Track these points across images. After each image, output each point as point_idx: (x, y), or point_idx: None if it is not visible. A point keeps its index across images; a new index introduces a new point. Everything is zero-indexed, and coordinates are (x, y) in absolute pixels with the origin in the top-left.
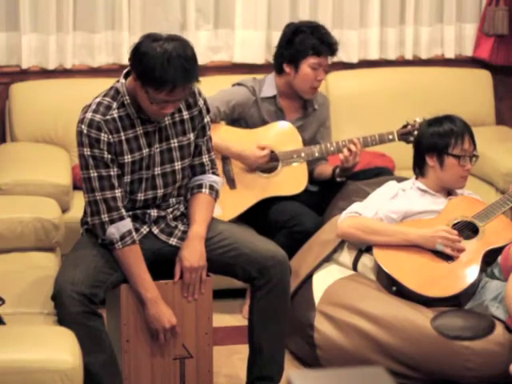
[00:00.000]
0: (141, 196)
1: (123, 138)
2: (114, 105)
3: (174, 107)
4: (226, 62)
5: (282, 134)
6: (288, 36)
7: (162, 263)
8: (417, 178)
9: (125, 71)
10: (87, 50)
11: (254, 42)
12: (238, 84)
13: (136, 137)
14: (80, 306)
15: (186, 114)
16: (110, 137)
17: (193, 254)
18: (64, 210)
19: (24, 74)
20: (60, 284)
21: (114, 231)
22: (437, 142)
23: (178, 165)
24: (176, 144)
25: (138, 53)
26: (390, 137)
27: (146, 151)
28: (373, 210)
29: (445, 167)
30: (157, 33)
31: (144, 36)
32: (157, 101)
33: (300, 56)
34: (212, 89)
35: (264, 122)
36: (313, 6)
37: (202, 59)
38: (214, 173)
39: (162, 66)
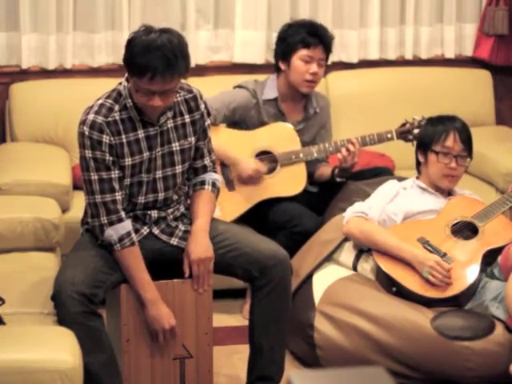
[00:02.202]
0: (141, 199)
1: (124, 140)
2: (116, 107)
3: (162, 102)
4: (226, 62)
5: (280, 135)
6: (280, 34)
7: (163, 263)
8: (417, 177)
9: (127, 74)
10: (87, 50)
11: (254, 42)
12: (239, 86)
13: (137, 140)
14: (80, 306)
15: (187, 118)
16: (112, 139)
17: (199, 246)
18: (64, 210)
19: (24, 74)
20: (60, 284)
21: (112, 233)
22: (424, 138)
23: (178, 168)
24: (177, 148)
25: (127, 42)
26: (389, 136)
27: (146, 154)
28: (378, 210)
29: (428, 163)
30: (152, 26)
31: (139, 27)
32: (141, 90)
33: (290, 50)
34: (212, 89)
35: (264, 125)
36: (313, 6)
37: (202, 59)
38: (214, 172)
39: (143, 52)
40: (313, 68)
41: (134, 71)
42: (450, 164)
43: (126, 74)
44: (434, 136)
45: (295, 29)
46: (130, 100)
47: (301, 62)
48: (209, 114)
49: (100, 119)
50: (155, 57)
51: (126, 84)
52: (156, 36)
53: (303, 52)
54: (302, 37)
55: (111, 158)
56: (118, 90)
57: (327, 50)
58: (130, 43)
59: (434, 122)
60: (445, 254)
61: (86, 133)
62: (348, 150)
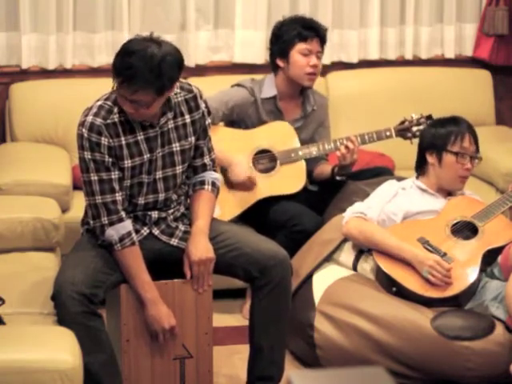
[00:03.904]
0: (141, 200)
1: (123, 142)
2: (115, 109)
3: (134, 110)
4: (226, 62)
5: (278, 134)
6: (274, 32)
7: (163, 263)
8: (417, 178)
9: None
10: (87, 50)
11: (254, 42)
12: (237, 85)
13: (136, 142)
14: (80, 306)
15: (187, 118)
16: (111, 141)
17: (199, 247)
18: (64, 210)
19: (24, 74)
20: (60, 284)
21: (112, 233)
22: (437, 139)
23: (179, 168)
24: (178, 148)
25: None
26: (388, 133)
27: (146, 156)
28: (377, 210)
29: (443, 165)
30: (155, 36)
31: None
32: (118, 91)
33: (288, 46)
34: (212, 89)
35: (263, 123)
36: (313, 6)
37: (202, 59)
38: (214, 171)
39: (123, 55)
40: (312, 60)
41: (112, 70)
42: (467, 165)
43: None
44: (450, 137)
45: (289, 25)
46: None
47: (300, 56)
48: (209, 113)
49: (99, 121)
50: (129, 64)
51: None
52: (144, 45)
53: (301, 46)
54: (298, 31)
55: (110, 160)
56: None
57: (323, 41)
58: (123, 44)
59: (443, 123)
60: (445, 254)
61: (85, 135)
62: (347, 147)
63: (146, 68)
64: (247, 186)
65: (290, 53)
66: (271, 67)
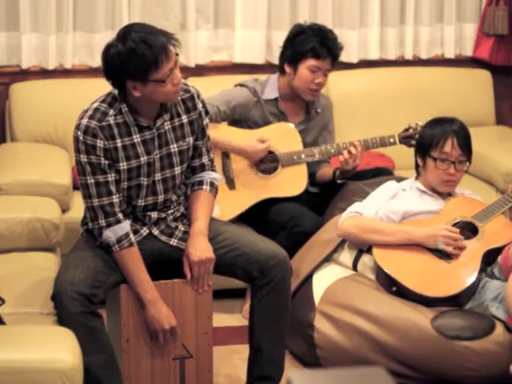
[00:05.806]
0: (141, 202)
1: (119, 144)
2: (111, 112)
3: (178, 73)
4: (226, 62)
5: (282, 135)
6: (291, 36)
7: (163, 263)
8: (416, 179)
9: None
10: (87, 49)
11: (254, 42)
12: (240, 85)
13: (133, 144)
14: (80, 307)
15: (184, 118)
16: (106, 143)
17: (198, 248)
18: (64, 210)
19: (24, 74)
20: (60, 284)
21: (110, 234)
22: (422, 143)
23: (177, 169)
24: (176, 149)
25: (114, 66)
26: (392, 140)
27: (144, 159)
28: (373, 210)
29: (426, 168)
30: (107, 43)
31: (102, 55)
32: (167, 77)
33: (299, 57)
34: (212, 89)
35: (266, 124)
36: (313, 6)
37: (202, 59)
38: (213, 170)
39: (143, 50)
40: (318, 78)
41: (151, 68)
42: (449, 170)
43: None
44: (432, 141)
45: (307, 36)
46: (125, 105)
47: (307, 71)
48: (207, 113)
49: (94, 124)
50: (151, 43)
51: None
52: (132, 37)
53: (312, 62)
54: (313, 46)
55: (107, 162)
56: (113, 94)
57: (335, 60)
58: (127, 59)
59: (433, 124)
60: (444, 253)
61: (81, 138)
62: (350, 152)
63: (152, 35)
64: (269, 158)
65: (299, 65)
66: (278, 67)
